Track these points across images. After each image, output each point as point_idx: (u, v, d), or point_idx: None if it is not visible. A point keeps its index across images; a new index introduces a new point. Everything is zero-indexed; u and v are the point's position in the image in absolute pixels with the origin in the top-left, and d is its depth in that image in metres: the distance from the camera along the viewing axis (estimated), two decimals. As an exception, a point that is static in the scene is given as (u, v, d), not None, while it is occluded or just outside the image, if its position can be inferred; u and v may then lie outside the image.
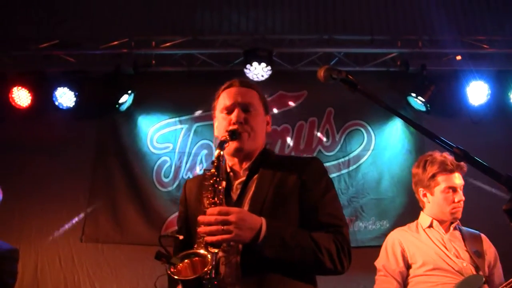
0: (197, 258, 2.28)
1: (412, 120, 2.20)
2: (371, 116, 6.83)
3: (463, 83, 6.52)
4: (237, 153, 2.65)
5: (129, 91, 6.64)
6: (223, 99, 2.73)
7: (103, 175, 6.82)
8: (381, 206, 6.63)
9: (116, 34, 6.78)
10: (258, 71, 6.44)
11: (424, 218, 3.86)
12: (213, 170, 2.47)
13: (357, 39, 6.89)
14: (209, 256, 2.23)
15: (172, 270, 2.22)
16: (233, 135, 2.59)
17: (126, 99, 6.64)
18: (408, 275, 3.66)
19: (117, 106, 6.63)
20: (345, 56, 6.85)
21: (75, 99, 6.61)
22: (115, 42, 6.69)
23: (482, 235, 3.81)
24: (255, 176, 2.62)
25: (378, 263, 3.81)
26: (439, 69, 6.69)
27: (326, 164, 6.62)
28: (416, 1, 7.27)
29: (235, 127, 2.61)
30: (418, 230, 3.82)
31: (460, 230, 3.78)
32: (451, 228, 3.75)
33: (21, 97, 6.74)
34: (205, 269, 2.20)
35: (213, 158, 2.51)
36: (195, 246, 2.32)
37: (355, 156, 6.82)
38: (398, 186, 6.62)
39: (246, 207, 2.50)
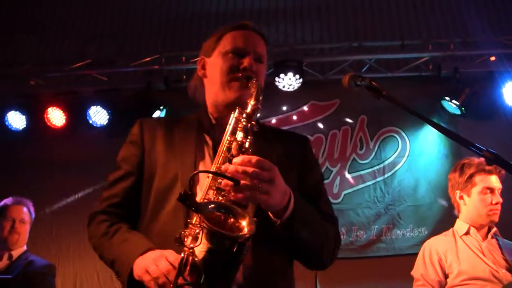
0: (229, 215, 1.79)
1: (440, 125, 2.14)
2: (405, 122, 6.73)
3: (499, 84, 6.38)
4: (237, 105, 2.12)
5: (161, 107, 6.67)
6: (234, 40, 2.30)
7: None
8: (419, 213, 6.54)
9: (146, 51, 6.86)
10: (288, 82, 6.42)
11: (460, 225, 3.77)
12: (249, 111, 2.04)
13: (388, 45, 6.85)
14: (248, 216, 1.77)
15: (201, 217, 1.70)
16: (249, 80, 2.17)
17: (158, 115, 6.68)
18: (446, 284, 3.59)
19: (150, 122, 6.64)
20: (376, 62, 6.78)
21: (108, 117, 6.68)
22: (146, 59, 6.74)
23: None
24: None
25: (416, 272, 3.73)
26: (472, 71, 6.56)
27: (361, 172, 6.65)
28: (446, 3, 7.20)
29: (249, 73, 2.20)
30: (455, 237, 3.74)
31: (497, 239, 3.69)
32: (489, 236, 3.67)
33: (56, 117, 6.85)
34: (246, 231, 1.73)
35: (254, 97, 2.07)
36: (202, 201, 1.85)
37: (390, 163, 6.75)
38: (436, 192, 6.52)
39: None
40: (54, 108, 6.83)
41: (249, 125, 2.00)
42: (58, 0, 7.77)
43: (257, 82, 2.11)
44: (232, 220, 1.78)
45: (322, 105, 6.98)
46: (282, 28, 7.36)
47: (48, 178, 6.77)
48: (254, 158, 1.85)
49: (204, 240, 1.71)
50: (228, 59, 2.25)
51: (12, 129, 6.89)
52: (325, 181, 6.51)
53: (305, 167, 2.33)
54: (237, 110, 2.06)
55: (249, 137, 1.98)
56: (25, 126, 6.89)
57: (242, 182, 1.79)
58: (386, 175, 6.71)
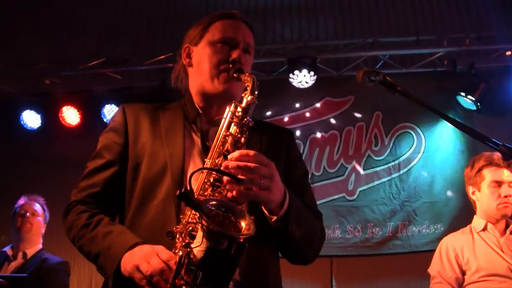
0: (229, 214, 1.74)
1: (456, 120, 2.11)
2: (420, 118, 6.68)
3: (515, 79, 6.34)
4: (225, 96, 2.14)
5: (176, 105, 6.66)
6: (223, 29, 2.24)
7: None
8: (435, 209, 6.49)
9: (160, 49, 6.85)
10: (302, 79, 6.40)
11: (477, 221, 3.73)
12: (244, 105, 1.98)
13: (402, 40, 6.78)
14: (248, 216, 1.73)
15: (202, 215, 1.63)
16: (241, 72, 2.11)
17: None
18: (463, 281, 3.55)
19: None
20: (391, 58, 6.73)
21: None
22: (160, 57, 6.75)
23: None
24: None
25: (432, 270, 3.70)
26: (488, 66, 6.51)
27: (376, 169, 6.63)
28: (462, -2, 7.13)
29: (239, 66, 2.14)
30: (472, 234, 3.69)
31: (516, 235, 3.65)
32: (508, 231, 3.63)
33: (71, 116, 6.90)
34: (247, 229, 1.68)
35: (249, 91, 2.00)
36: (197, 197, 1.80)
37: (405, 160, 6.71)
38: (452, 188, 6.47)
39: None
40: (69, 107, 6.87)
41: (245, 119, 1.95)
42: (71, -1, 7.83)
43: (251, 75, 2.05)
44: (232, 219, 1.73)
45: (337, 101, 6.95)
46: (296, 24, 7.33)
47: (63, 177, 6.74)
48: (252, 153, 1.80)
49: (203, 239, 1.66)
50: (217, 50, 2.19)
51: (28, 128, 6.96)
52: (340, 178, 6.65)
53: (290, 161, 2.29)
54: (233, 104, 2.00)
55: (244, 133, 1.94)
56: (40, 125, 6.96)
57: (243, 178, 1.74)
58: (401, 172, 6.67)
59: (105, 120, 6.74)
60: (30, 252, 4.71)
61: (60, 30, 7.63)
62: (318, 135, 6.85)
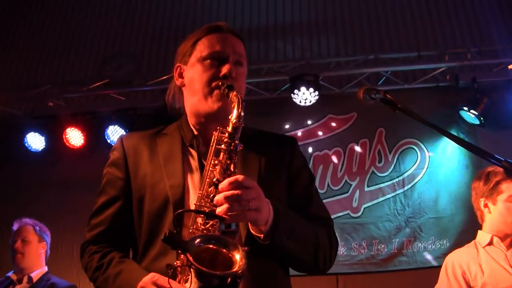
0: (217, 247, 1.74)
1: (456, 136, 2.12)
2: (423, 134, 6.66)
3: (518, 93, 6.34)
4: (220, 115, 2.08)
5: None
6: (210, 44, 2.18)
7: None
8: (440, 225, 6.46)
9: (163, 69, 6.88)
10: (305, 96, 6.41)
11: (482, 236, 3.69)
12: (230, 130, 1.92)
13: (404, 56, 6.80)
14: (240, 248, 1.72)
15: (189, 257, 1.65)
16: (231, 90, 2.03)
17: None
18: (471, 297, 3.51)
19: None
20: (393, 74, 6.75)
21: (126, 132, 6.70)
22: (163, 77, 6.77)
23: None
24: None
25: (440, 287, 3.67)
26: (491, 80, 6.49)
27: (380, 185, 6.60)
28: (462, 12, 7.16)
29: (229, 82, 2.08)
30: (478, 249, 3.66)
31: (522, 248, 3.62)
32: (514, 245, 3.60)
33: (75, 137, 6.90)
34: (237, 267, 1.68)
35: (235, 114, 1.95)
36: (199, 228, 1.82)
37: (409, 175, 6.69)
38: (457, 203, 6.44)
39: None
40: (73, 128, 6.88)
41: (232, 145, 1.91)
42: (73, 21, 7.87)
43: (238, 95, 2.00)
44: (224, 251, 1.73)
45: (340, 118, 6.95)
46: (298, 42, 7.38)
47: (68, 198, 6.81)
48: (240, 178, 1.78)
49: (194, 279, 1.67)
50: (207, 67, 2.15)
51: (32, 150, 6.97)
52: (345, 195, 6.62)
53: (294, 171, 2.25)
54: (218, 130, 1.97)
55: (233, 158, 1.90)
56: (44, 147, 6.96)
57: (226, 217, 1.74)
58: (406, 188, 6.65)
59: (109, 141, 6.74)
60: (36, 275, 4.67)
61: (63, 52, 7.69)
62: (321, 152, 6.85)
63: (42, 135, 6.92)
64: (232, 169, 1.88)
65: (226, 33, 2.24)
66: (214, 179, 1.84)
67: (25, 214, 5.13)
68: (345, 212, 6.61)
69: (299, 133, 6.93)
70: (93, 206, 2.27)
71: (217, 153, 1.93)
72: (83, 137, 6.90)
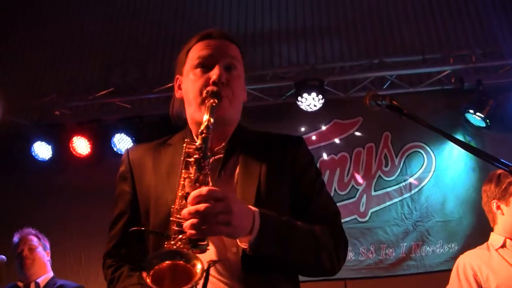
0: (180, 261, 1.71)
1: (461, 141, 2.11)
2: (430, 137, 6.65)
3: (525, 94, 6.33)
4: (216, 123, 1.98)
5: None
6: (198, 51, 2.14)
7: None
8: (448, 229, 6.45)
9: (169, 77, 6.89)
10: (310, 102, 6.41)
11: (495, 238, 3.67)
12: (199, 142, 1.88)
13: (409, 60, 6.79)
14: (198, 262, 1.70)
15: (144, 275, 1.66)
16: (215, 97, 2.00)
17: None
18: (483, 299, 3.49)
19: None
20: (398, 78, 6.74)
21: (132, 144, 6.72)
22: (169, 85, 6.78)
23: None
24: (240, 155, 2.12)
25: (451, 290, 3.65)
26: (496, 82, 6.46)
27: (387, 189, 6.58)
28: (466, 14, 7.16)
29: (215, 88, 2.03)
30: (490, 251, 3.64)
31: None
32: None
33: (81, 146, 6.94)
34: (191, 283, 1.66)
35: (204, 124, 1.91)
36: (171, 243, 1.79)
37: (416, 179, 6.68)
38: (464, 206, 6.43)
39: (238, 194, 2.02)
40: (79, 137, 6.91)
41: (201, 156, 1.85)
42: (78, 30, 7.91)
43: (210, 101, 1.99)
44: (181, 263, 1.70)
45: (345, 123, 6.95)
46: (302, 47, 7.38)
47: (75, 206, 6.83)
48: (204, 191, 1.73)
49: None
50: (198, 75, 2.10)
51: (39, 159, 7.00)
52: (352, 200, 6.62)
53: (298, 172, 2.18)
54: (186, 142, 1.97)
55: (203, 169, 1.85)
56: (51, 156, 6.99)
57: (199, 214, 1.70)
58: (413, 191, 6.64)
59: (115, 149, 6.77)
60: (43, 281, 4.74)
61: (68, 61, 7.72)
62: (328, 157, 6.85)
63: (49, 144, 6.95)
64: (202, 181, 1.83)
65: (216, 39, 2.19)
66: (185, 193, 1.81)
67: (32, 222, 5.17)
68: (353, 217, 6.60)
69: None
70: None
71: (186, 166, 1.91)
72: (89, 145, 6.94)
